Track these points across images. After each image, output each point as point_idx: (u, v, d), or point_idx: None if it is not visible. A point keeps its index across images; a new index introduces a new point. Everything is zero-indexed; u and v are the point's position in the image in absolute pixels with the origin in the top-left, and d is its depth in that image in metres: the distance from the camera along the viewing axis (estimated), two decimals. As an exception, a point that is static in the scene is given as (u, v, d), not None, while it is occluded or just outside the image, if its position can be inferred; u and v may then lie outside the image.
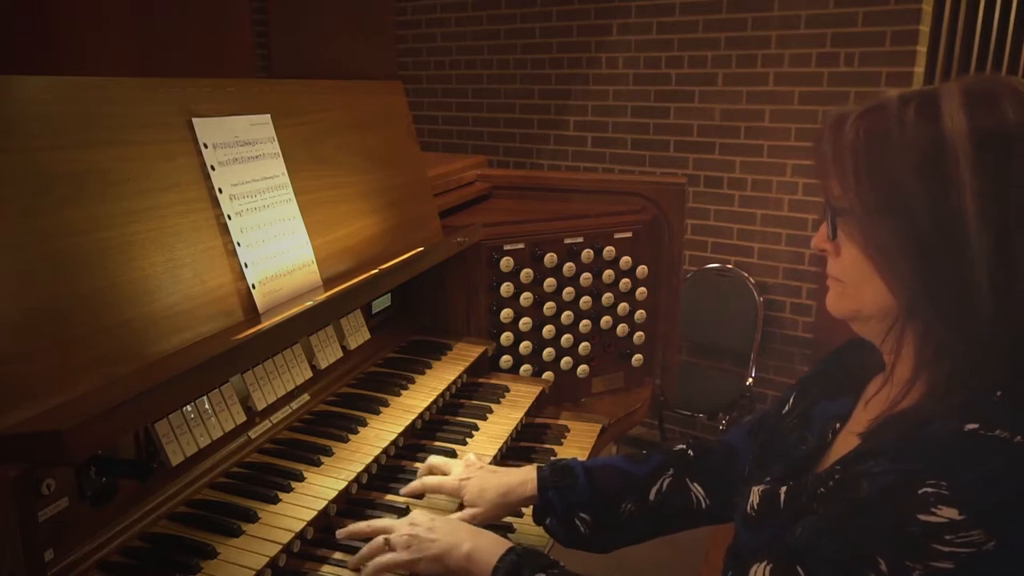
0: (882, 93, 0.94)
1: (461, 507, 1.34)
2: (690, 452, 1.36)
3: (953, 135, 0.85)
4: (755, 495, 1.07)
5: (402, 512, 1.33)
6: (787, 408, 1.21)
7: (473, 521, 1.28)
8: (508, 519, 1.39)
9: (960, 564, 0.77)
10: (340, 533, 1.22)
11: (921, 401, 0.92)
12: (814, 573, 0.86)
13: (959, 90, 0.88)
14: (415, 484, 1.38)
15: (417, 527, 1.16)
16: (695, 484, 1.32)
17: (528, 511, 1.39)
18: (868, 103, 0.94)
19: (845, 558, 0.84)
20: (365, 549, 1.18)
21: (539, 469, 1.33)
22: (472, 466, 1.37)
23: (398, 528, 1.17)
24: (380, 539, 1.17)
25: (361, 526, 1.21)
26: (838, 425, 1.08)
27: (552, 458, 1.65)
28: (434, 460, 1.41)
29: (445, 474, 1.37)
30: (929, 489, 0.79)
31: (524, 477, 1.33)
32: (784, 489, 1.02)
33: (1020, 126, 0.84)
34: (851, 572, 0.82)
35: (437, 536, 1.14)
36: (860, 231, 0.94)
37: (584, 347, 2.09)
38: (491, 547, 1.12)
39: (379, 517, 1.30)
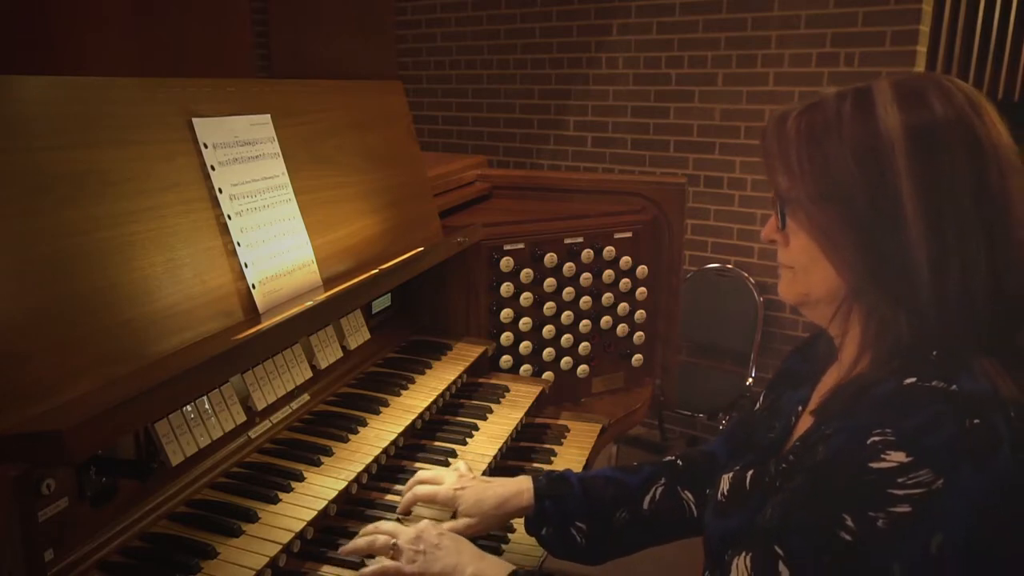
0: (820, 91, 1.00)
1: (454, 516, 1.32)
2: (679, 462, 1.39)
3: (887, 128, 0.92)
4: (724, 483, 1.12)
5: (402, 513, 1.33)
6: (758, 405, 1.26)
7: (468, 531, 1.27)
8: (498, 532, 1.38)
9: (916, 506, 0.82)
10: (344, 549, 1.20)
11: (865, 370, 0.96)
12: (792, 549, 0.88)
13: (890, 86, 0.95)
14: (407, 498, 1.33)
15: (423, 542, 1.15)
16: (686, 492, 1.35)
17: (519, 525, 1.38)
18: (808, 100, 1.00)
19: (816, 525, 0.87)
20: (363, 542, 1.17)
21: (535, 480, 1.33)
22: (465, 476, 1.35)
23: (404, 535, 1.17)
24: (386, 540, 1.16)
25: (362, 542, 1.19)
26: (800, 408, 1.13)
27: (551, 460, 1.66)
28: (423, 474, 1.37)
29: (437, 484, 1.34)
30: (876, 438, 0.84)
31: (519, 488, 1.32)
32: (751, 473, 1.06)
33: (947, 119, 0.91)
34: (824, 537, 0.85)
35: (443, 554, 1.14)
36: (806, 218, 0.99)
37: (584, 347, 2.09)
38: (494, 570, 1.13)
39: (380, 518, 1.30)
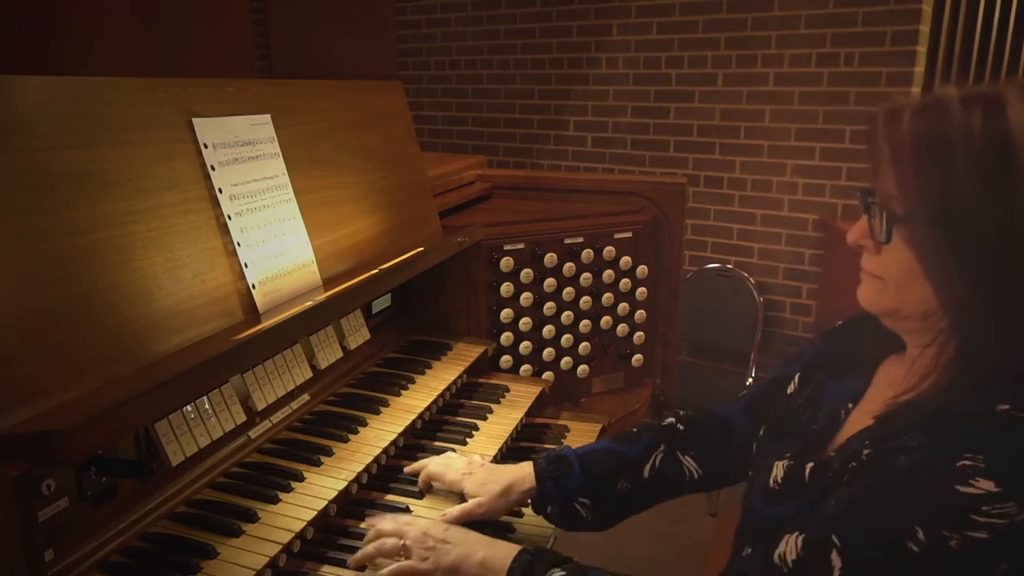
0: (940, 90, 0.92)
1: (462, 500, 1.34)
2: (680, 426, 1.40)
3: (1020, 133, 0.85)
4: (779, 469, 1.10)
5: (402, 513, 1.33)
6: (792, 388, 1.25)
7: (478, 510, 1.29)
8: (507, 518, 1.39)
9: (994, 534, 0.81)
10: (355, 560, 1.19)
11: (945, 389, 0.93)
12: (849, 542, 0.88)
13: (1021, 92, 0.87)
14: (417, 465, 1.40)
15: (431, 538, 1.16)
16: (687, 456, 1.36)
17: (527, 511, 1.40)
18: (926, 98, 0.92)
19: (884, 527, 0.86)
20: (372, 549, 1.17)
21: (535, 463, 1.35)
22: (473, 463, 1.39)
23: (410, 535, 1.17)
24: (395, 542, 1.17)
25: (371, 548, 1.19)
26: (850, 405, 1.11)
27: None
28: (435, 458, 1.42)
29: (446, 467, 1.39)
30: (967, 462, 0.83)
31: (523, 472, 1.34)
32: (810, 465, 1.05)
33: None
34: (889, 541, 0.85)
35: (452, 545, 1.15)
36: (916, 238, 0.93)
37: (584, 347, 2.09)
38: (504, 551, 1.13)
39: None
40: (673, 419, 1.41)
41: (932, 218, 0.90)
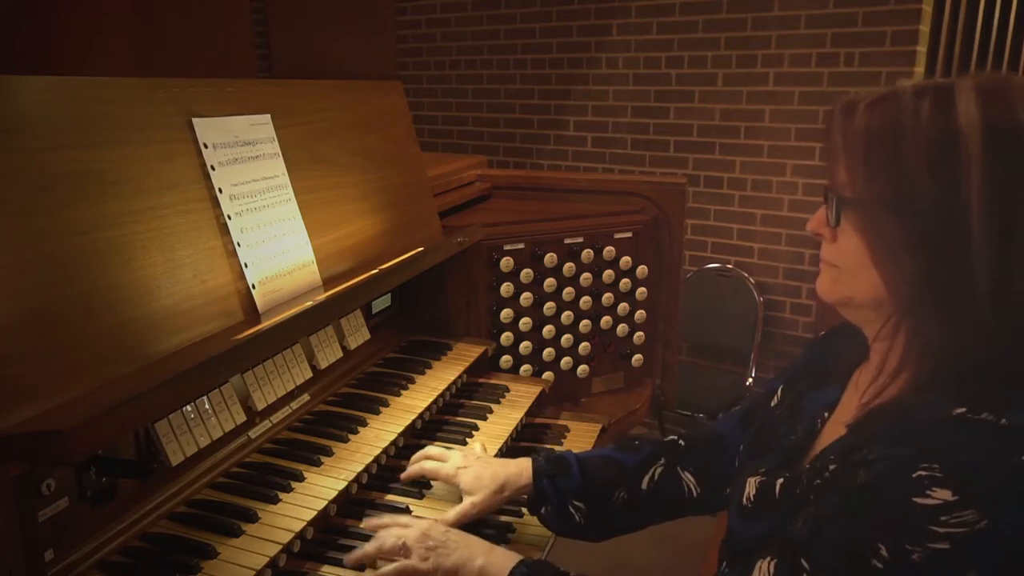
0: (894, 83, 0.94)
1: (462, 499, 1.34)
2: (681, 442, 1.39)
3: (968, 130, 0.86)
4: (751, 486, 1.09)
5: (402, 513, 1.33)
6: (776, 400, 1.23)
7: (472, 510, 1.30)
8: (508, 519, 1.39)
9: (955, 544, 0.80)
10: (352, 558, 1.19)
11: (906, 390, 0.94)
12: (818, 565, 0.88)
13: (974, 87, 0.89)
14: (413, 468, 1.39)
15: (431, 539, 1.17)
16: (686, 473, 1.35)
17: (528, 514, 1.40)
18: (880, 91, 0.94)
19: (847, 547, 0.85)
20: (372, 548, 1.18)
21: (534, 460, 1.35)
22: (470, 456, 1.39)
23: (410, 535, 1.17)
24: (394, 542, 1.17)
25: (371, 547, 1.19)
26: (826, 414, 1.10)
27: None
28: (431, 450, 1.42)
29: (443, 462, 1.38)
30: (923, 473, 0.82)
31: (520, 468, 1.34)
32: (780, 481, 1.04)
33: None
34: (854, 560, 0.84)
35: (453, 548, 1.16)
36: (866, 223, 0.94)
37: (584, 347, 2.09)
38: (503, 560, 1.14)
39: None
40: (676, 436, 1.40)
41: (878, 202, 0.92)
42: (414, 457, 1.42)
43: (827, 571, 0.87)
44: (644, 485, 1.33)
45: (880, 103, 0.93)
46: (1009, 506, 0.81)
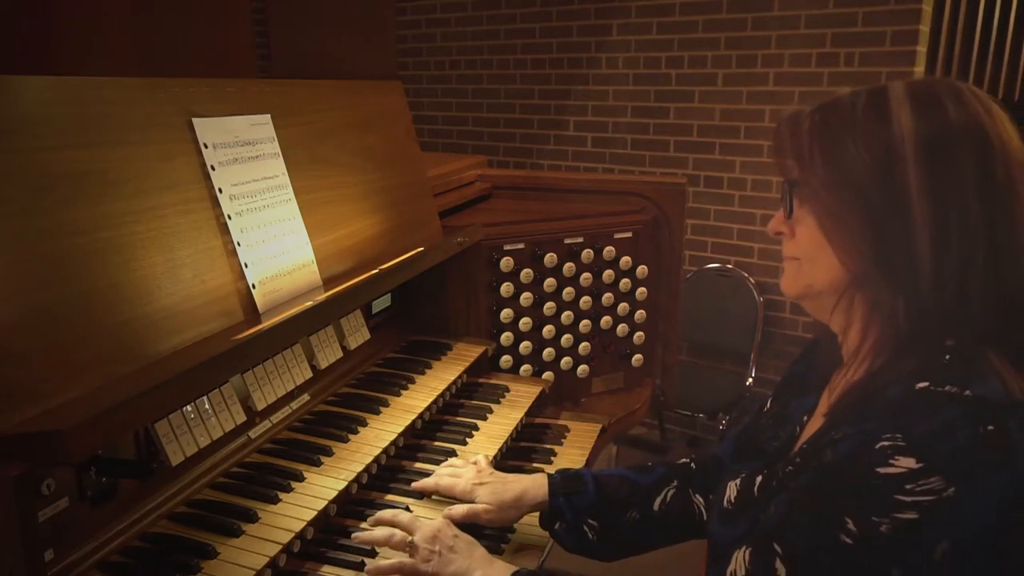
0: (834, 91, 1.01)
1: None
2: (692, 465, 1.39)
3: (900, 132, 0.92)
4: (732, 489, 1.11)
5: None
6: (766, 409, 1.26)
7: (485, 515, 1.31)
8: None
9: (923, 512, 0.81)
10: (360, 537, 1.21)
11: (872, 368, 0.96)
12: (790, 547, 0.88)
13: (904, 89, 0.95)
14: (429, 481, 1.39)
15: (439, 542, 1.18)
16: (697, 496, 1.35)
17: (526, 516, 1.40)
18: (821, 99, 1.01)
19: (817, 525, 0.87)
20: (381, 536, 1.19)
21: (550, 477, 1.36)
22: (484, 472, 1.39)
23: (421, 533, 1.19)
24: (403, 537, 1.18)
25: (379, 535, 1.21)
26: (805, 418, 1.12)
27: (551, 460, 1.66)
28: (445, 469, 1.42)
29: (456, 479, 1.38)
30: (886, 443, 0.83)
31: (536, 483, 1.35)
32: (759, 479, 1.06)
33: (959, 124, 0.92)
34: (823, 537, 0.85)
35: (456, 556, 1.17)
36: (816, 204, 0.99)
37: (584, 347, 2.09)
38: (499, 574, 1.15)
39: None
40: (688, 459, 1.41)
41: (825, 182, 0.97)
42: (436, 473, 1.42)
43: (799, 551, 0.88)
44: (656, 506, 1.34)
45: (822, 108, 1.00)
46: (977, 475, 0.81)
